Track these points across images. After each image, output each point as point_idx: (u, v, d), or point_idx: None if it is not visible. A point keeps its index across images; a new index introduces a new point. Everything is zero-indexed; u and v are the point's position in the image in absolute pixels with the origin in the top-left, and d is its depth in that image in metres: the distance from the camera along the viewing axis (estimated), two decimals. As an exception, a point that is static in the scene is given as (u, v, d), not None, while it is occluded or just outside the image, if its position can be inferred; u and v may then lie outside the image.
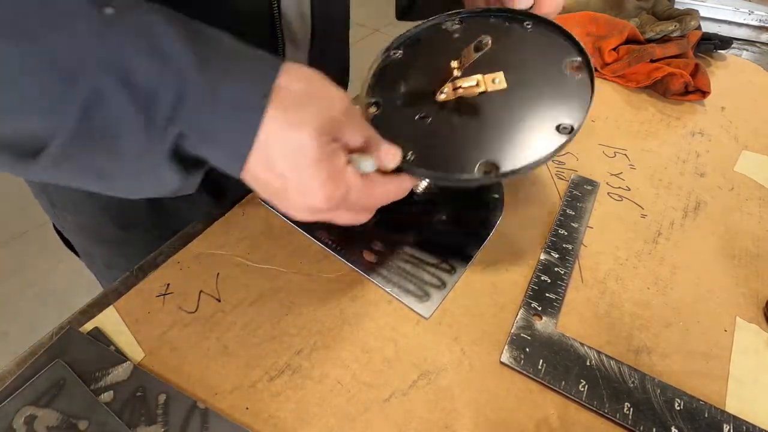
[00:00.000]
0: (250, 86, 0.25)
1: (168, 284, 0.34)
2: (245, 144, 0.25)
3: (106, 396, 0.28)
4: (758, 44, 0.72)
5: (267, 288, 0.31)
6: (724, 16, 0.76)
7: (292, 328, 0.32)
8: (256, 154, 0.25)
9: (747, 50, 0.70)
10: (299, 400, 0.28)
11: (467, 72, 0.33)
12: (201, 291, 0.33)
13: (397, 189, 0.31)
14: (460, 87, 0.33)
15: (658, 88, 0.58)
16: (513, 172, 0.30)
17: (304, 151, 0.26)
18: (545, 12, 0.38)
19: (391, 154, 0.31)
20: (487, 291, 0.35)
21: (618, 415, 0.28)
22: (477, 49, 0.31)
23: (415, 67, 0.37)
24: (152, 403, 0.27)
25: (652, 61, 0.57)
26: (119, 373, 0.28)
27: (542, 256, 0.37)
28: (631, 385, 0.30)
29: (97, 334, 0.30)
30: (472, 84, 0.33)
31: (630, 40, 0.60)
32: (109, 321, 0.31)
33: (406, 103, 0.35)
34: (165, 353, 0.30)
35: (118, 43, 0.23)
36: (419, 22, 0.40)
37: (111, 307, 0.32)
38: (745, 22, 0.75)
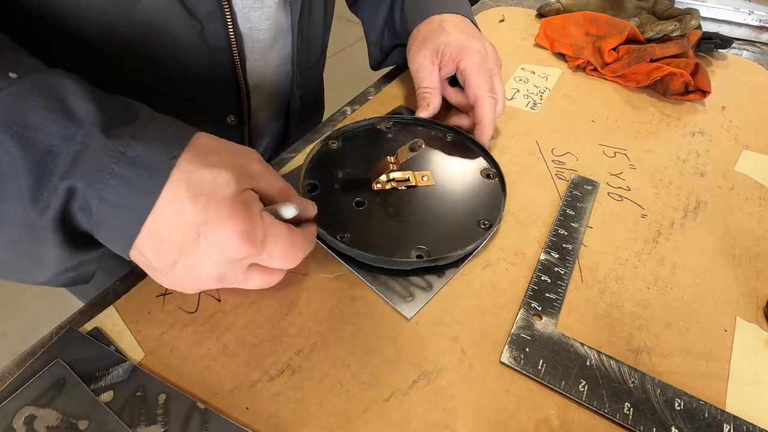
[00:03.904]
0: (157, 147, 0.24)
1: (168, 284, 0.33)
2: (144, 204, 0.24)
3: (106, 396, 0.28)
4: (758, 44, 0.72)
5: (267, 288, 0.31)
6: (724, 16, 0.76)
7: (292, 328, 0.32)
8: (162, 206, 0.24)
9: (747, 50, 0.70)
10: (299, 400, 0.28)
11: (400, 168, 0.38)
12: (201, 291, 0.33)
13: (311, 240, 0.31)
14: (393, 179, 0.39)
15: (658, 88, 0.58)
16: (444, 258, 0.35)
17: (220, 188, 0.25)
18: (484, 140, 0.44)
19: (311, 204, 0.32)
20: (487, 291, 0.35)
21: (618, 415, 0.28)
22: (412, 150, 0.35)
23: (350, 158, 0.42)
24: (152, 403, 0.27)
25: (652, 60, 0.57)
26: (119, 373, 0.28)
27: (542, 256, 0.37)
28: (631, 385, 0.30)
29: (97, 334, 0.30)
30: (405, 178, 0.40)
31: (630, 40, 0.60)
32: (109, 321, 0.31)
33: (342, 188, 0.39)
34: (165, 353, 0.30)
35: (16, 100, 0.22)
36: (359, 120, 0.45)
37: (111, 307, 0.32)
38: (745, 22, 0.75)
